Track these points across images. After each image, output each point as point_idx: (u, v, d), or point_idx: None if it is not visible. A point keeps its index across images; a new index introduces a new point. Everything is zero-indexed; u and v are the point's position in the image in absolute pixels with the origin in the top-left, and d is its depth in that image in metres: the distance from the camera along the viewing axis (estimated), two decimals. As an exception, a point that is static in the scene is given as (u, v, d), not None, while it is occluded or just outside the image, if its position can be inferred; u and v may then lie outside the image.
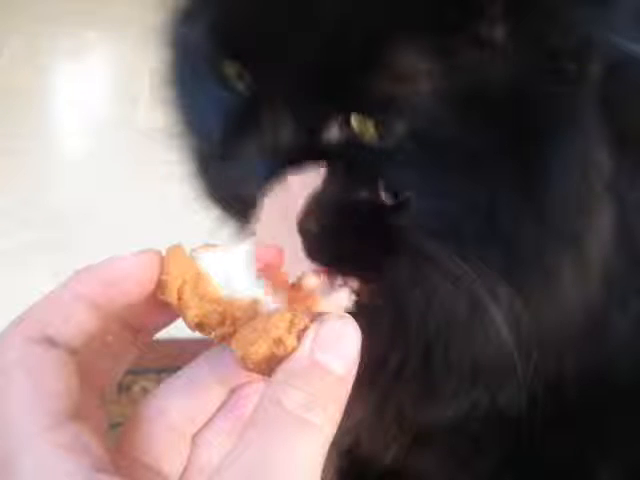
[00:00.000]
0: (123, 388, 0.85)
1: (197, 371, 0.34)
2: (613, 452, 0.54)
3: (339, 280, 0.39)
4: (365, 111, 0.36)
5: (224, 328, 0.30)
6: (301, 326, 0.29)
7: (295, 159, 0.37)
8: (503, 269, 0.39)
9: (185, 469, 0.33)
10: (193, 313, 0.30)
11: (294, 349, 0.28)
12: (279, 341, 0.28)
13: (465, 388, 0.49)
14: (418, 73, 0.35)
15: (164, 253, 0.31)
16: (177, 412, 0.33)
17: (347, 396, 0.28)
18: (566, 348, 0.46)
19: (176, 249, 0.32)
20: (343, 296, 0.35)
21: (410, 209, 0.37)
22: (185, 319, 0.31)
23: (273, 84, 0.36)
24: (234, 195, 0.37)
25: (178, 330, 0.33)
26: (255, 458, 0.25)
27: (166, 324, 0.33)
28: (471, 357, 0.46)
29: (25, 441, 0.26)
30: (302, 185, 0.36)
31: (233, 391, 0.34)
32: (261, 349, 0.28)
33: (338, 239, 0.39)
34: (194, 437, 0.33)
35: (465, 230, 0.38)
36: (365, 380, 0.44)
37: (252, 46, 0.37)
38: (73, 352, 0.29)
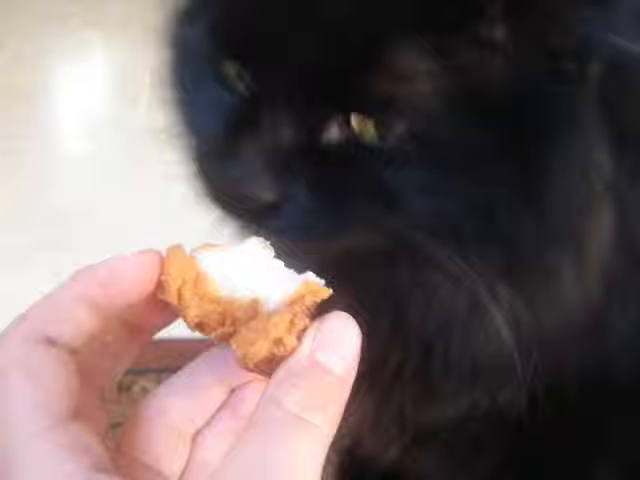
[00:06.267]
0: (123, 388, 0.84)
1: (197, 371, 0.34)
2: (613, 452, 0.54)
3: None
4: (365, 111, 0.36)
5: (224, 328, 0.30)
6: (301, 326, 0.29)
7: (295, 159, 0.37)
8: (503, 269, 0.39)
9: (185, 469, 0.33)
10: (193, 313, 0.30)
11: (294, 349, 0.28)
12: (279, 341, 0.28)
13: (465, 388, 0.49)
14: (418, 73, 0.35)
15: (164, 253, 0.31)
16: (177, 412, 0.33)
17: (347, 396, 0.28)
18: (566, 348, 0.46)
19: (176, 249, 0.32)
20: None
21: (410, 209, 0.37)
22: (185, 319, 0.31)
23: (273, 84, 0.36)
24: (234, 195, 0.37)
25: (178, 330, 0.33)
26: (255, 458, 0.25)
27: (166, 324, 0.33)
28: (471, 357, 0.46)
29: (25, 441, 0.26)
30: None
31: (233, 391, 0.34)
32: (261, 349, 0.28)
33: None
34: (194, 437, 0.33)
35: (465, 230, 0.38)
36: (365, 380, 0.44)
37: (252, 46, 0.37)
38: (73, 352, 0.29)
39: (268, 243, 0.34)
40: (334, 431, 0.27)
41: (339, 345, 0.28)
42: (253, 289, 0.31)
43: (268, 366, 0.28)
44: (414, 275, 0.42)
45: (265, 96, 0.37)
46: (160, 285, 0.31)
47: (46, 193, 1.20)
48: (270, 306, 0.30)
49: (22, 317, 0.29)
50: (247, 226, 0.40)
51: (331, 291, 0.30)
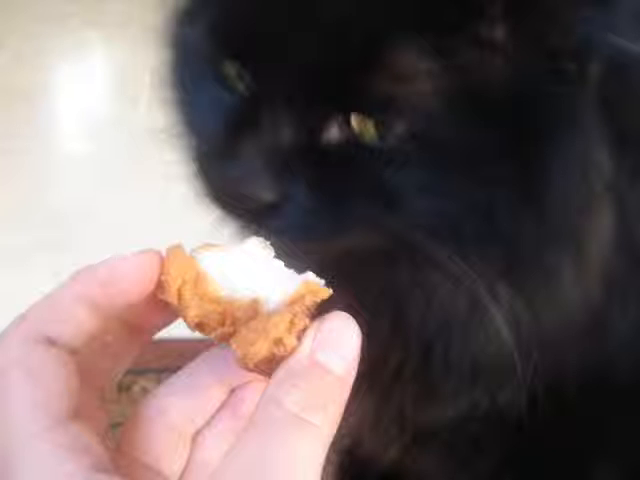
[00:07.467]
0: (123, 388, 0.84)
1: (197, 371, 0.34)
2: (613, 452, 0.54)
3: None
4: (365, 111, 0.36)
5: (224, 328, 0.30)
6: (301, 326, 0.29)
7: (295, 159, 0.37)
8: (503, 269, 0.39)
9: (185, 469, 0.33)
10: (193, 313, 0.30)
11: (294, 349, 0.28)
12: (279, 341, 0.28)
13: (465, 388, 0.49)
14: (418, 73, 0.35)
15: (164, 253, 0.31)
16: (177, 412, 0.33)
17: (347, 396, 0.28)
18: (566, 348, 0.46)
19: (176, 249, 0.32)
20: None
21: (410, 209, 0.37)
22: (185, 319, 0.31)
23: (273, 84, 0.36)
24: (234, 195, 0.37)
25: (178, 330, 0.33)
26: (254, 458, 0.25)
27: (166, 324, 0.33)
28: (471, 357, 0.46)
29: (25, 441, 0.26)
30: None
31: (233, 391, 0.34)
32: (261, 349, 0.28)
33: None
34: (194, 437, 0.33)
35: (465, 230, 0.38)
36: (365, 380, 0.44)
37: (252, 46, 0.37)
38: (73, 352, 0.29)
39: (268, 243, 0.34)
40: (334, 431, 0.27)
41: (339, 345, 0.28)
42: (253, 289, 0.31)
43: (268, 366, 0.28)
44: (414, 275, 0.42)
45: (265, 96, 0.37)
46: (160, 285, 0.31)
47: (46, 193, 1.20)
48: (270, 306, 0.30)
49: (22, 317, 0.29)
50: (247, 226, 0.40)
51: (331, 291, 0.30)
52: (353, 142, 0.36)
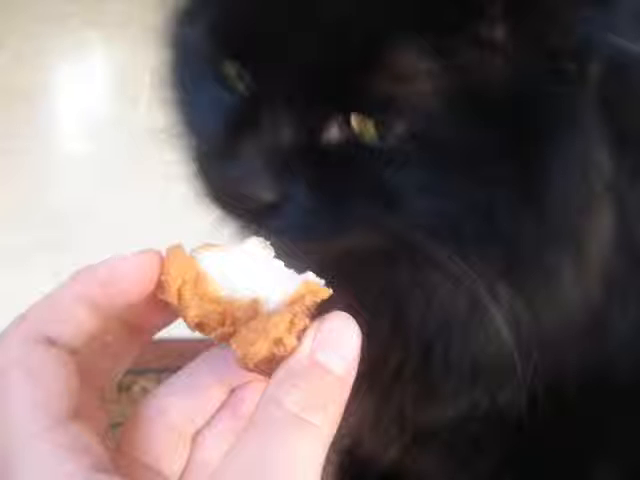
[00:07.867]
0: (123, 388, 0.84)
1: (197, 371, 0.34)
2: (613, 452, 0.54)
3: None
4: (365, 111, 0.36)
5: (224, 328, 0.30)
6: (301, 326, 0.29)
7: (295, 159, 0.37)
8: (503, 269, 0.39)
9: (185, 469, 0.33)
10: (193, 313, 0.30)
11: (294, 349, 0.28)
12: (279, 341, 0.28)
13: (465, 388, 0.49)
14: (418, 73, 0.35)
15: (164, 253, 0.31)
16: (177, 412, 0.33)
17: (347, 396, 0.28)
18: (566, 348, 0.46)
19: (176, 249, 0.32)
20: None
21: (410, 209, 0.37)
22: (185, 319, 0.31)
23: (273, 84, 0.36)
24: (234, 195, 0.37)
25: (178, 330, 0.33)
26: (254, 458, 0.25)
27: (166, 324, 0.33)
28: (471, 357, 0.46)
29: (25, 441, 0.26)
30: None
31: (233, 391, 0.34)
32: (261, 349, 0.28)
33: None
34: (194, 437, 0.33)
35: (465, 230, 0.38)
36: (365, 380, 0.44)
37: (252, 46, 0.37)
38: (73, 352, 0.29)
39: (268, 243, 0.34)
40: (334, 431, 0.27)
41: (339, 345, 0.28)
42: (253, 289, 0.31)
43: (268, 366, 0.28)
44: (414, 275, 0.42)
45: (265, 96, 0.37)
46: (160, 285, 0.31)
47: (46, 193, 1.20)
48: (270, 306, 0.30)
49: (22, 317, 0.29)
50: (247, 226, 0.40)
51: (331, 291, 0.30)
52: (353, 142, 0.36)
